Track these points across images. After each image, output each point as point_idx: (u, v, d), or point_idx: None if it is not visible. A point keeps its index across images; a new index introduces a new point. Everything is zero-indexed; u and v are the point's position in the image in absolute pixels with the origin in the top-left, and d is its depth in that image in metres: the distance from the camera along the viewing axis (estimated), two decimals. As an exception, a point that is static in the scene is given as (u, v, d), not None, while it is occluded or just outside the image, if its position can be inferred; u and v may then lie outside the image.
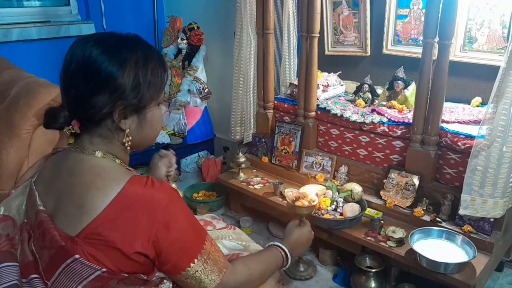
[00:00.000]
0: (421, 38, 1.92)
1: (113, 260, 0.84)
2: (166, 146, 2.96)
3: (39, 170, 1.00)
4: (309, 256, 2.06)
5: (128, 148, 0.94)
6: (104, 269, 0.83)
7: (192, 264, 0.90)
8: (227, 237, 1.45)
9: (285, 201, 2.07)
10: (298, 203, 1.36)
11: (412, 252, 1.61)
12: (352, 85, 2.34)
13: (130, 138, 0.93)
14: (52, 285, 0.85)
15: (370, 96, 2.14)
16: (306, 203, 1.36)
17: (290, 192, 1.39)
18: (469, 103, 1.98)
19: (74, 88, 0.88)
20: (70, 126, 0.91)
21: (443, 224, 1.73)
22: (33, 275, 0.87)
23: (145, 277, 0.90)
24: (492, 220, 1.64)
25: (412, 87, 2.00)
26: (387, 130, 1.94)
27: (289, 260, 1.18)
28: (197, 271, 0.91)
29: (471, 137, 1.69)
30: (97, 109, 0.86)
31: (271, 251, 1.17)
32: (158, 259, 0.88)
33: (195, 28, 2.96)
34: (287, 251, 1.18)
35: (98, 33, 0.92)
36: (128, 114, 0.90)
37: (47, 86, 1.68)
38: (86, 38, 0.89)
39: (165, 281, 0.93)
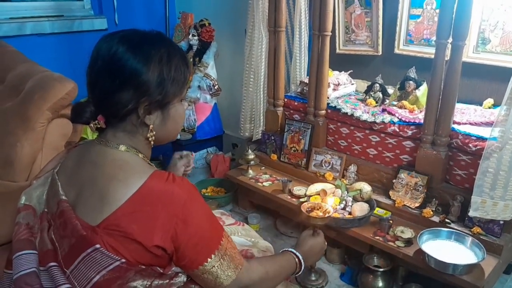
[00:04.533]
0: (433, 38, 1.91)
1: (131, 251, 0.86)
2: (175, 142, 2.98)
3: (61, 161, 1.03)
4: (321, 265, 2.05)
5: (152, 143, 0.96)
6: (123, 260, 0.85)
7: (209, 259, 0.91)
8: (236, 233, 1.47)
9: (294, 199, 2.09)
10: (312, 214, 1.36)
11: (420, 252, 1.61)
12: (363, 84, 2.34)
13: (154, 133, 0.95)
14: (71, 273, 0.87)
15: (381, 95, 2.14)
16: (321, 214, 1.36)
17: (305, 203, 1.39)
18: (481, 105, 1.97)
19: (100, 85, 0.90)
20: (96, 121, 0.93)
21: (452, 225, 1.73)
22: (52, 263, 0.89)
23: (161, 270, 0.92)
24: (501, 222, 1.63)
25: (424, 87, 1.99)
26: (397, 130, 1.94)
27: (302, 267, 1.19)
28: (214, 266, 0.92)
29: (482, 139, 1.69)
30: (122, 105, 0.89)
31: (285, 256, 1.18)
32: (176, 253, 0.90)
33: (207, 24, 2.97)
34: (300, 257, 1.19)
35: (122, 31, 0.93)
36: (153, 110, 0.93)
37: (61, 81, 1.69)
38: (111, 36, 0.91)
39: (180, 274, 0.95)
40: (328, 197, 1.43)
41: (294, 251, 1.19)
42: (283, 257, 1.18)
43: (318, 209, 1.38)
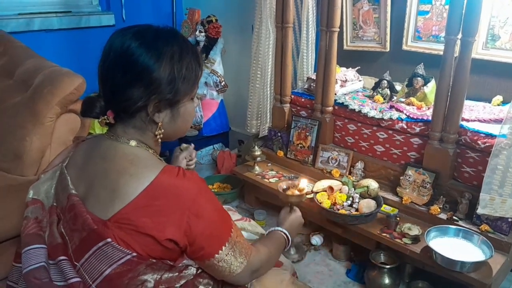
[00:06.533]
0: (442, 34, 1.90)
1: (142, 245, 0.86)
2: (182, 138, 2.98)
3: (69, 156, 1.03)
4: (321, 249, 2.08)
5: (160, 139, 0.97)
6: (134, 254, 0.86)
7: (223, 247, 0.94)
8: (243, 229, 1.50)
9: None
10: (288, 192, 1.43)
11: (427, 249, 1.61)
12: (371, 81, 2.33)
13: (162, 130, 0.95)
14: (82, 266, 0.87)
15: (388, 92, 2.13)
16: (297, 192, 1.43)
17: (281, 183, 1.48)
18: (489, 102, 1.95)
19: (111, 79, 0.90)
20: (105, 116, 0.93)
21: (460, 222, 1.72)
22: (62, 257, 0.90)
23: (172, 263, 0.93)
24: (510, 220, 1.62)
25: (432, 84, 1.98)
26: (405, 126, 1.93)
27: (290, 242, 1.25)
28: (227, 254, 0.95)
29: (491, 136, 1.67)
30: (132, 101, 0.88)
31: (276, 234, 1.23)
32: (190, 247, 0.91)
33: (214, 20, 2.97)
34: (288, 233, 1.24)
35: (136, 26, 0.93)
36: (162, 108, 0.92)
37: (70, 76, 1.70)
38: (125, 30, 0.91)
39: (189, 267, 0.96)
40: (301, 179, 1.48)
41: (281, 229, 1.25)
42: (275, 236, 1.23)
43: (293, 188, 1.45)
